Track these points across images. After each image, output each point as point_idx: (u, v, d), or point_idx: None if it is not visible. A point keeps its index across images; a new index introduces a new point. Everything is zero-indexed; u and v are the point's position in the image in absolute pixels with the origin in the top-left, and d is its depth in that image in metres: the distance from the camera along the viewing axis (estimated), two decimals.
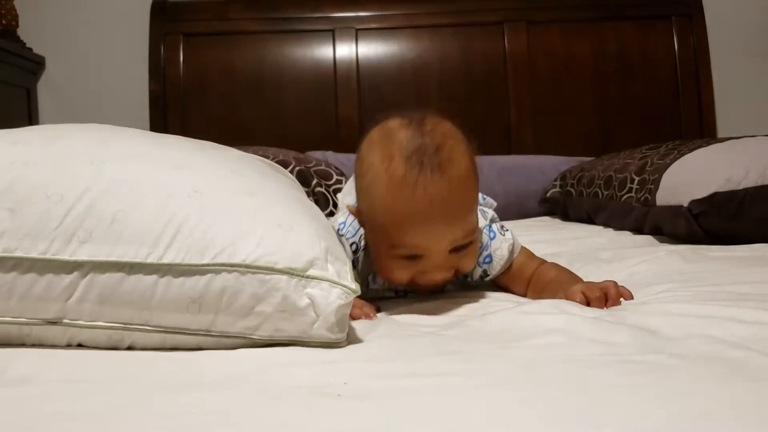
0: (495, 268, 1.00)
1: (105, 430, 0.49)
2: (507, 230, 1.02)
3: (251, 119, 2.55)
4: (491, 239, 1.00)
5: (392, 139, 0.88)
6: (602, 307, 0.83)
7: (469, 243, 0.90)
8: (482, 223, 1.00)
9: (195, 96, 2.55)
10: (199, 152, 0.86)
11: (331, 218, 1.06)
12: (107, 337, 0.70)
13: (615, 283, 0.86)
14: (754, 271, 1.01)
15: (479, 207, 1.02)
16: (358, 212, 0.95)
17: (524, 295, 1.00)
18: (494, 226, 1.02)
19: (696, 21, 2.66)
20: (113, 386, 0.59)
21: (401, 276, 0.91)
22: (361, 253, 1.00)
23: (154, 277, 0.69)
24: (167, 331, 0.69)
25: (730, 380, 0.53)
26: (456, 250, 0.89)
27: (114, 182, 0.73)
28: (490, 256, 1.00)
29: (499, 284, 1.03)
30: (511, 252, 1.00)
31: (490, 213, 1.04)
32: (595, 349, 0.65)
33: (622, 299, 0.85)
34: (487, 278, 1.01)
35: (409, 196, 0.84)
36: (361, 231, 0.98)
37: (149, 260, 0.69)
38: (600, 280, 0.91)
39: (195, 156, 0.83)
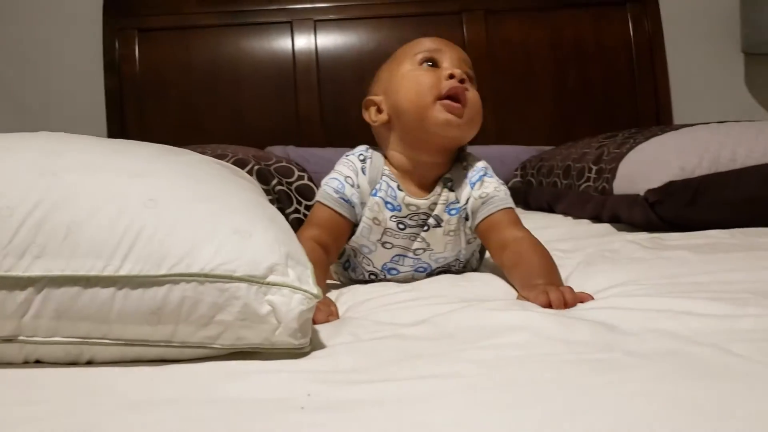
0: (475, 191, 1.07)
1: None
2: (505, 185, 1.11)
3: (210, 115, 2.52)
4: (488, 176, 1.10)
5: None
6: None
7: (473, 84, 1.09)
8: (484, 162, 1.14)
9: (152, 92, 2.52)
10: (154, 159, 0.85)
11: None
12: (65, 353, 0.68)
13: (571, 289, 0.88)
14: (708, 259, 1.03)
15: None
16: (374, 98, 1.13)
17: (500, 265, 1.04)
18: (495, 177, 1.12)
19: (650, 8, 2.69)
20: (71, 407, 0.58)
21: (425, 82, 1.05)
22: (369, 160, 1.11)
23: (111, 289, 0.68)
24: (127, 343, 0.68)
25: (684, 378, 0.54)
26: (463, 81, 1.06)
27: (67, 194, 0.72)
28: (480, 179, 1.08)
29: (479, 236, 1.09)
30: (497, 193, 1.07)
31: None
32: (555, 348, 0.66)
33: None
34: (474, 220, 1.07)
35: (429, 38, 1.12)
36: (368, 150, 1.12)
37: (106, 273, 0.68)
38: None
39: (150, 163, 0.82)
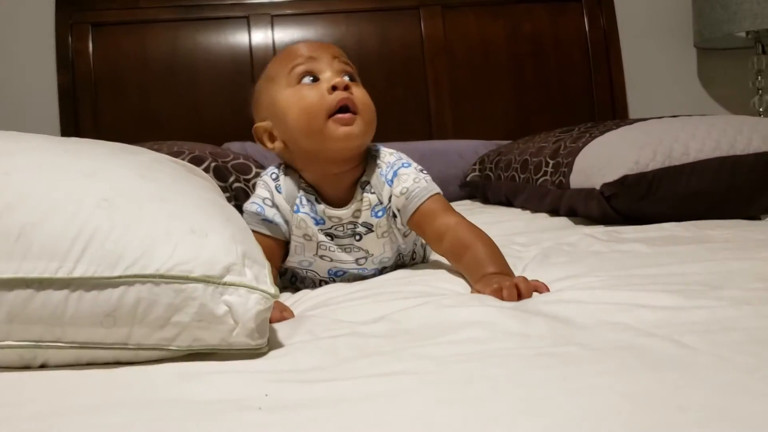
0: (396, 189, 1.04)
1: None
2: (424, 172, 1.08)
3: (166, 110, 2.49)
4: (403, 166, 1.07)
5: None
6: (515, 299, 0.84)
7: (355, 80, 1.07)
8: (394, 154, 1.10)
9: (107, 88, 2.47)
10: (108, 158, 0.83)
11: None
12: (18, 357, 0.67)
13: (525, 279, 0.88)
14: (662, 252, 1.05)
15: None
16: (263, 126, 1.09)
17: (441, 254, 1.04)
18: (412, 164, 1.09)
19: (605, 3, 2.73)
20: (23, 411, 0.57)
21: (312, 101, 1.02)
22: (281, 178, 1.09)
23: (65, 292, 0.66)
24: (82, 346, 0.67)
25: (638, 371, 0.55)
26: (347, 77, 1.04)
27: (20, 195, 0.70)
28: (396, 173, 1.06)
29: (414, 230, 1.08)
30: (417, 185, 1.04)
31: (397, 153, 1.11)
32: (512, 343, 0.66)
33: (535, 292, 0.87)
34: (402, 217, 1.05)
35: (295, 43, 1.10)
36: (279, 169, 1.10)
37: (59, 275, 0.66)
38: (514, 268, 0.94)
39: (104, 162, 0.81)
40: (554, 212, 1.61)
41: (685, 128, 1.46)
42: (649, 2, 2.85)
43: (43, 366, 0.68)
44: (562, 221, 1.51)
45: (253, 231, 0.99)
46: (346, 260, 1.08)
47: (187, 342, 0.68)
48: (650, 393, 0.50)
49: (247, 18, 2.57)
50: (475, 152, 2.21)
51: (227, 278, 0.69)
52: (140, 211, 0.73)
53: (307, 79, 1.04)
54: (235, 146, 2.11)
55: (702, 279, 0.86)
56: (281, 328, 0.79)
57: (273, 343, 0.73)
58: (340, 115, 1.02)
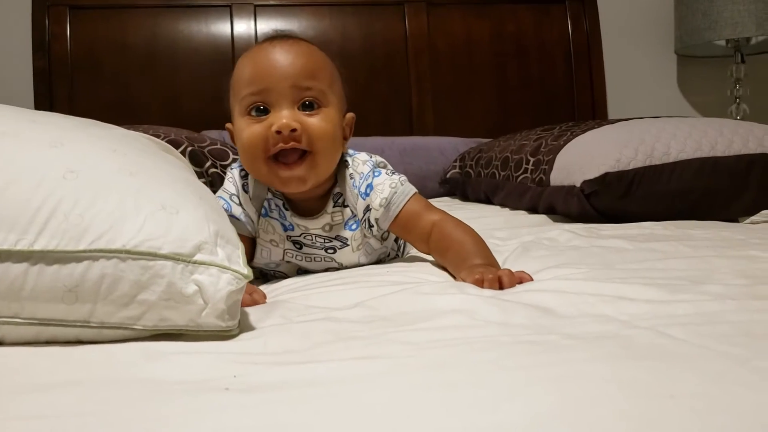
0: (374, 202, 0.99)
1: None
2: (396, 174, 1.02)
3: (144, 97, 2.44)
4: (375, 176, 1.01)
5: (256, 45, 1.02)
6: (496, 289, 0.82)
7: (318, 107, 0.95)
8: (364, 158, 1.03)
9: (84, 73, 2.42)
10: (77, 130, 0.80)
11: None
12: None
13: (510, 271, 0.85)
14: (643, 248, 1.04)
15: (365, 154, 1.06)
16: (230, 128, 1.03)
17: (427, 253, 1.00)
18: (382, 170, 1.02)
19: (588, 7, 2.73)
20: None
21: (252, 138, 0.94)
22: (250, 178, 1.02)
23: (24, 265, 0.63)
24: (41, 323, 0.64)
25: (624, 359, 0.53)
26: (305, 108, 0.94)
27: None
28: (371, 185, 1.00)
29: (396, 234, 1.04)
30: (394, 190, 0.99)
31: (380, 159, 1.05)
32: (491, 330, 0.64)
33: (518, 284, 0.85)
34: (381, 224, 1.00)
35: (258, 49, 0.98)
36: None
37: (18, 247, 0.63)
38: (497, 260, 0.92)
39: (73, 134, 0.78)
40: (533, 210, 1.59)
41: (666, 128, 1.46)
42: (633, 7, 2.85)
43: None
44: (541, 218, 1.49)
45: None
46: (315, 269, 1.04)
47: (153, 321, 0.65)
48: (640, 381, 0.48)
49: (230, 7, 2.53)
50: (455, 149, 2.19)
51: (198, 257, 0.67)
52: (108, 185, 0.70)
53: (255, 112, 0.95)
54: (212, 134, 2.07)
55: (684, 274, 0.84)
56: (253, 312, 0.76)
57: (244, 326, 0.70)
58: (281, 161, 0.94)
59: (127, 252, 0.64)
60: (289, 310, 0.77)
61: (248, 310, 0.77)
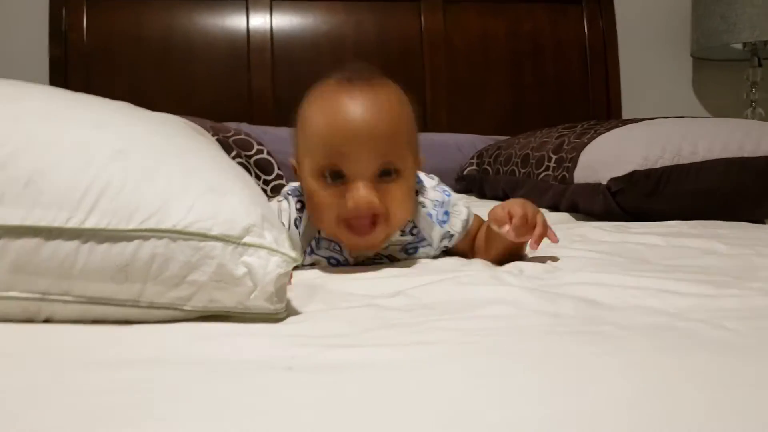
0: (455, 226, 0.97)
1: (16, 413, 0.43)
2: (458, 204, 1.01)
3: (159, 89, 2.43)
4: (447, 196, 0.98)
5: (329, 80, 0.92)
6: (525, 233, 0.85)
7: (397, 174, 0.88)
8: (431, 183, 1.00)
9: (99, 63, 2.41)
10: (119, 112, 0.80)
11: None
12: (22, 309, 0.63)
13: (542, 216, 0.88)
14: (677, 244, 1.03)
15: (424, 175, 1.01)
16: (296, 164, 0.95)
17: (469, 252, 1.00)
18: (450, 192, 1.00)
19: (605, 7, 2.73)
20: (26, 362, 0.53)
21: (325, 204, 0.88)
22: (305, 213, 0.95)
23: (75, 242, 0.63)
24: (90, 302, 0.63)
25: (682, 351, 0.53)
26: (383, 175, 0.87)
27: (29, 141, 0.66)
28: (447, 212, 0.97)
29: (457, 251, 1.02)
30: (469, 212, 0.98)
31: (437, 179, 1.02)
32: (542, 320, 0.64)
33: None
34: (451, 243, 0.99)
35: (336, 99, 0.88)
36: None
37: (70, 225, 0.63)
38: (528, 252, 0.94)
39: (116, 116, 0.77)
40: (554, 208, 1.58)
41: (692, 128, 1.45)
42: (649, 8, 2.85)
43: (47, 321, 0.64)
44: (564, 216, 1.49)
45: None
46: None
47: (202, 303, 0.65)
48: (700, 371, 0.47)
49: (246, 1, 2.52)
50: (473, 146, 2.19)
51: (247, 239, 0.66)
52: (156, 165, 0.69)
53: (329, 177, 0.88)
54: (232, 126, 2.07)
55: (724, 271, 0.84)
56: (294, 297, 0.75)
57: (289, 311, 0.70)
58: (354, 225, 0.88)
59: (178, 232, 0.64)
60: (328, 296, 0.77)
61: (289, 295, 0.76)
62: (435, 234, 0.97)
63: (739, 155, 1.37)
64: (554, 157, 1.62)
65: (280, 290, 0.66)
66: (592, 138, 1.54)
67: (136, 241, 0.63)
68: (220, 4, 2.52)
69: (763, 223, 1.39)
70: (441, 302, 0.73)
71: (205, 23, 2.51)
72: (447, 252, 1.03)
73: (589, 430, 0.39)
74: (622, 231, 1.18)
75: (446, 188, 1.01)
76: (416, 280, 0.83)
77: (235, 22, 2.52)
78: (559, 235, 1.14)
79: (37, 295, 0.63)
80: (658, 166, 1.35)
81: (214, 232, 0.65)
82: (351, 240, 0.90)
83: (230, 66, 2.49)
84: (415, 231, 0.96)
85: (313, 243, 0.96)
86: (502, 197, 1.86)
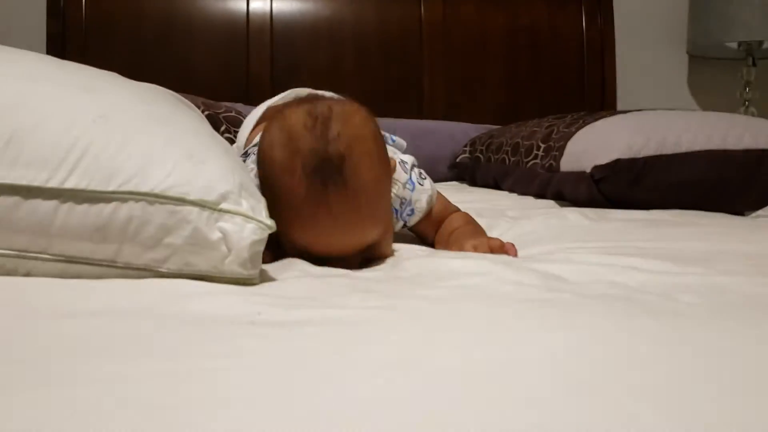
0: (415, 220, 1.00)
1: None
2: (425, 178, 1.02)
3: (158, 69, 2.44)
4: (411, 192, 0.99)
5: (295, 146, 0.79)
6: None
7: (378, 242, 0.84)
8: (403, 177, 0.98)
9: (98, 40, 2.43)
10: (106, 79, 0.82)
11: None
12: (0, 266, 0.65)
13: (500, 241, 0.89)
14: (650, 231, 1.05)
15: (395, 152, 1.03)
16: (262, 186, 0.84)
17: (432, 244, 1.01)
18: (413, 176, 1.00)
19: (603, 3, 2.74)
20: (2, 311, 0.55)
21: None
22: None
23: (54, 202, 0.65)
24: (68, 260, 0.66)
25: (638, 316, 0.55)
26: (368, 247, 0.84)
27: (12, 102, 0.68)
28: (412, 209, 0.99)
29: (412, 229, 1.03)
30: (430, 202, 1.00)
31: (409, 161, 1.02)
32: (508, 289, 0.66)
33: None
34: (406, 227, 1.02)
35: (311, 215, 0.78)
36: None
37: (49, 185, 0.65)
38: (504, 236, 0.95)
39: (103, 82, 0.79)
40: (541, 196, 1.60)
41: (678, 120, 1.47)
42: (647, 6, 2.86)
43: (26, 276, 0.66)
44: (549, 203, 1.51)
45: None
46: None
47: (177, 265, 0.67)
48: (650, 331, 0.50)
49: None
50: (466, 134, 2.20)
51: (223, 205, 0.68)
52: (138, 131, 0.71)
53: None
54: (225, 104, 2.09)
55: (692, 254, 0.86)
56: (271, 267, 0.77)
57: (264, 278, 0.72)
58: None
59: (156, 196, 0.66)
60: (307, 266, 0.79)
61: (267, 266, 0.78)
62: (396, 225, 0.98)
63: (722, 147, 1.39)
64: (543, 145, 1.63)
65: (254, 256, 0.68)
66: (580, 127, 1.55)
67: (114, 203, 0.66)
68: None
69: (743, 215, 1.41)
70: (414, 275, 0.75)
71: (205, 4, 2.52)
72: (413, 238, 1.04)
73: (502, 376, 0.41)
74: (602, 217, 1.21)
75: (413, 176, 1.00)
76: (392, 257, 0.85)
77: (236, 4, 2.54)
78: (538, 219, 1.17)
79: (14, 252, 0.65)
80: (641, 155, 1.36)
81: (191, 197, 0.67)
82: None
83: (229, 48, 2.51)
84: None
85: None
86: (493, 185, 1.88)
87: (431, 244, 1.02)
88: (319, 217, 0.78)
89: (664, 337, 0.48)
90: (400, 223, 1.00)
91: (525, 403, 0.37)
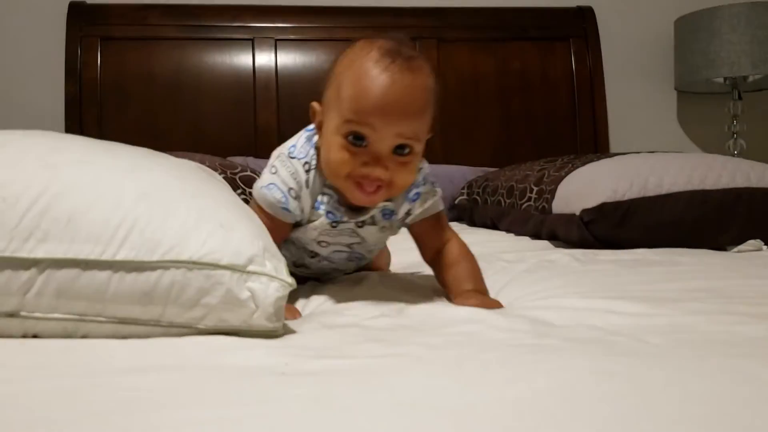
0: (416, 209, 1.10)
1: (53, 409, 0.54)
2: (435, 183, 1.13)
3: (169, 125, 2.58)
4: (422, 184, 1.10)
5: (373, 43, 0.98)
6: None
7: (411, 151, 0.99)
8: (421, 172, 1.10)
9: (112, 100, 2.57)
10: (143, 159, 0.93)
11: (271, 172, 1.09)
12: (62, 329, 0.76)
13: (498, 302, 1.00)
14: (633, 272, 1.16)
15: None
16: (320, 105, 1.04)
17: (428, 263, 1.12)
18: (429, 178, 1.12)
19: (591, 44, 2.87)
20: (63, 370, 0.65)
21: (342, 160, 0.97)
22: (312, 172, 1.06)
23: (108, 272, 0.75)
24: (120, 321, 0.76)
25: (605, 356, 0.65)
26: (399, 149, 0.97)
27: (68, 185, 0.79)
28: (418, 194, 1.09)
29: (412, 233, 1.14)
30: (435, 204, 1.11)
31: (427, 168, 1.13)
32: (499, 336, 0.76)
33: None
34: (408, 219, 1.11)
35: (376, 75, 0.94)
36: (312, 152, 1.06)
37: (104, 257, 0.75)
38: (500, 278, 1.05)
39: (141, 162, 0.90)
40: (536, 236, 1.71)
41: (660, 163, 1.58)
42: (634, 46, 2.99)
43: (83, 338, 0.77)
44: (544, 244, 1.61)
45: (269, 213, 1.05)
46: (341, 243, 1.12)
47: (213, 322, 0.78)
48: (612, 371, 0.60)
49: (252, 41, 2.68)
50: (464, 177, 2.32)
51: (250, 267, 0.79)
52: (175, 205, 0.82)
53: (352, 138, 0.96)
54: (238, 161, 2.21)
55: (666, 294, 0.96)
56: (293, 322, 0.88)
57: (286, 330, 0.82)
58: (363, 184, 0.99)
59: (194, 263, 0.77)
60: (323, 318, 0.89)
61: (288, 321, 0.89)
62: (402, 208, 1.09)
63: (701, 188, 1.50)
64: (535, 188, 1.75)
65: (278, 311, 0.79)
66: (569, 171, 1.67)
67: (159, 271, 0.76)
68: (227, 43, 2.68)
69: (725, 249, 1.51)
70: (419, 323, 0.85)
71: (213, 61, 2.66)
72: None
73: (491, 414, 0.51)
74: (590, 259, 1.31)
75: (426, 174, 1.12)
76: (398, 305, 0.96)
77: (242, 60, 2.68)
78: (531, 262, 1.27)
79: (75, 317, 0.76)
80: (625, 198, 1.47)
81: (224, 262, 0.78)
82: (354, 195, 1.01)
83: (237, 102, 2.64)
84: (393, 199, 1.08)
85: (320, 198, 1.06)
86: (490, 225, 1.99)
87: (425, 255, 1.13)
88: (381, 77, 0.94)
89: (622, 374, 0.58)
90: (405, 207, 1.09)
91: None
